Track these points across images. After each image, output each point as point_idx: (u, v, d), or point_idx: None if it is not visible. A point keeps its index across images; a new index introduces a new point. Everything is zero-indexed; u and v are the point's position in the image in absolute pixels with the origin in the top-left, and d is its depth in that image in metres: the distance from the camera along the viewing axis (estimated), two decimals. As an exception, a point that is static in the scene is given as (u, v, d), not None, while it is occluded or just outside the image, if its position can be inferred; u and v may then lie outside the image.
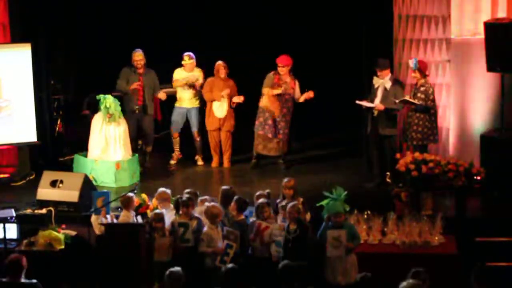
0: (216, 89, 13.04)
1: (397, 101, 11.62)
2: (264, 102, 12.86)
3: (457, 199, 10.76)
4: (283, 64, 12.79)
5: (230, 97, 13.07)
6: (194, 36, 15.20)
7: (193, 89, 13.27)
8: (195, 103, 13.40)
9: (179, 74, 13.35)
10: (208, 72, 13.29)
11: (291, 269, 8.38)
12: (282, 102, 12.85)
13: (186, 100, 13.35)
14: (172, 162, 13.56)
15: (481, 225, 10.51)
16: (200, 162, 13.49)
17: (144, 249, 9.45)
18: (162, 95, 13.33)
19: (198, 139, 13.47)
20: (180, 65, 13.35)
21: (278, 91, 12.75)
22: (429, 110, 11.55)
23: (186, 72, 13.31)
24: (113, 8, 15.16)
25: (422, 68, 11.58)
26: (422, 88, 11.58)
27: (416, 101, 11.47)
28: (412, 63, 11.58)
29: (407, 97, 11.58)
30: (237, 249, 9.40)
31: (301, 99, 12.91)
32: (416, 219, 9.99)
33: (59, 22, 14.26)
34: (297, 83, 12.91)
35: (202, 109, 13.44)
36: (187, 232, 9.49)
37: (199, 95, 13.37)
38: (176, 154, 13.59)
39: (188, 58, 13.26)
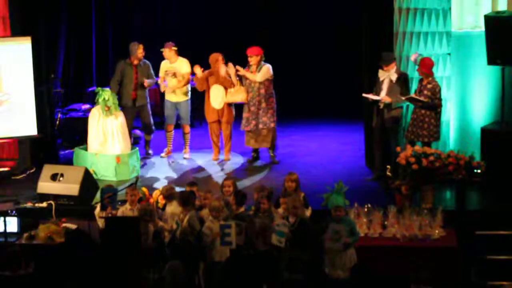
0: (212, 79, 13.00)
1: (403, 98, 11.57)
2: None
3: (458, 192, 10.76)
4: (251, 54, 12.74)
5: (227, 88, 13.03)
6: (194, 34, 15.25)
7: (175, 76, 13.11)
8: (184, 97, 13.33)
9: (165, 65, 13.28)
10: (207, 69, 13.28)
11: (295, 261, 8.39)
12: (254, 92, 12.76)
13: (174, 93, 13.28)
14: (162, 155, 13.51)
15: (481, 218, 10.51)
16: (186, 156, 13.45)
17: (144, 241, 9.46)
18: (146, 83, 13.17)
19: (186, 131, 13.45)
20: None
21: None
22: (436, 107, 11.50)
23: (171, 63, 13.24)
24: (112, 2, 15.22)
25: (425, 67, 11.46)
26: (429, 86, 11.47)
27: (422, 98, 11.39)
28: (413, 58, 11.50)
29: (413, 95, 11.51)
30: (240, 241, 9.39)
31: (258, 77, 12.71)
32: (416, 213, 9.99)
33: (60, 15, 14.26)
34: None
35: (193, 102, 13.42)
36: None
37: (188, 88, 13.31)
38: (168, 149, 13.55)
39: (169, 50, 13.19)
